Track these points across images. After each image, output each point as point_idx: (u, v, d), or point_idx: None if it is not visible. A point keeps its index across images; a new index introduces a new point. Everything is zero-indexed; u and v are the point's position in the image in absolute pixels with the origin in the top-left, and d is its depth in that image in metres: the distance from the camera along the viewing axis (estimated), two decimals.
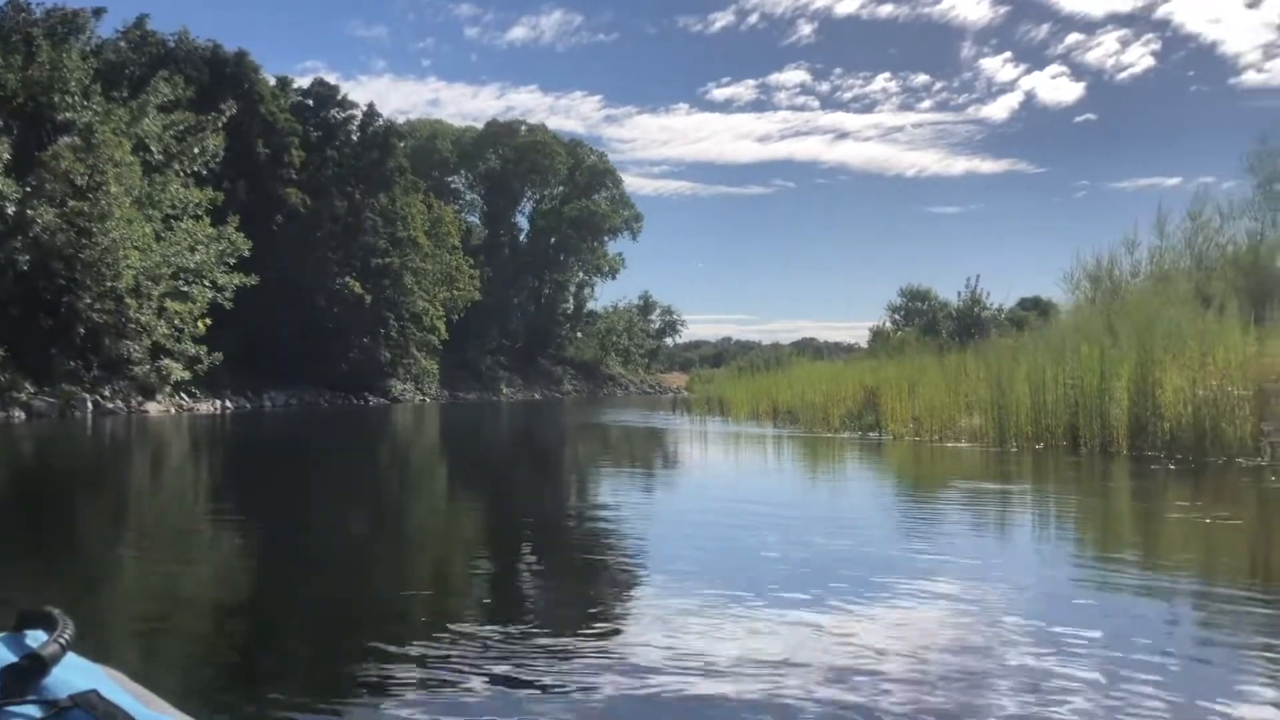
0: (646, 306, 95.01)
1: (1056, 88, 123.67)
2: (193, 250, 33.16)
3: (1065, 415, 15.12)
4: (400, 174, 53.62)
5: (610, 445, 21.16)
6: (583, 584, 5.77)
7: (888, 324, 47.97)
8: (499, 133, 78.00)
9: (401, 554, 7.06)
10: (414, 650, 4.08)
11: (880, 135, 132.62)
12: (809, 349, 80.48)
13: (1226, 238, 21.21)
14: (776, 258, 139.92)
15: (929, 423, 17.81)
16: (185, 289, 32.90)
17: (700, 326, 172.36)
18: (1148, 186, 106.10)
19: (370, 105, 52.98)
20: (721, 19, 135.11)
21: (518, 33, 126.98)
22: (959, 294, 44.40)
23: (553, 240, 79.49)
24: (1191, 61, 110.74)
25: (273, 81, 48.60)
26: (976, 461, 14.13)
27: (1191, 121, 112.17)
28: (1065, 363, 15.62)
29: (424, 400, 52.43)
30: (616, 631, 4.52)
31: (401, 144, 55.51)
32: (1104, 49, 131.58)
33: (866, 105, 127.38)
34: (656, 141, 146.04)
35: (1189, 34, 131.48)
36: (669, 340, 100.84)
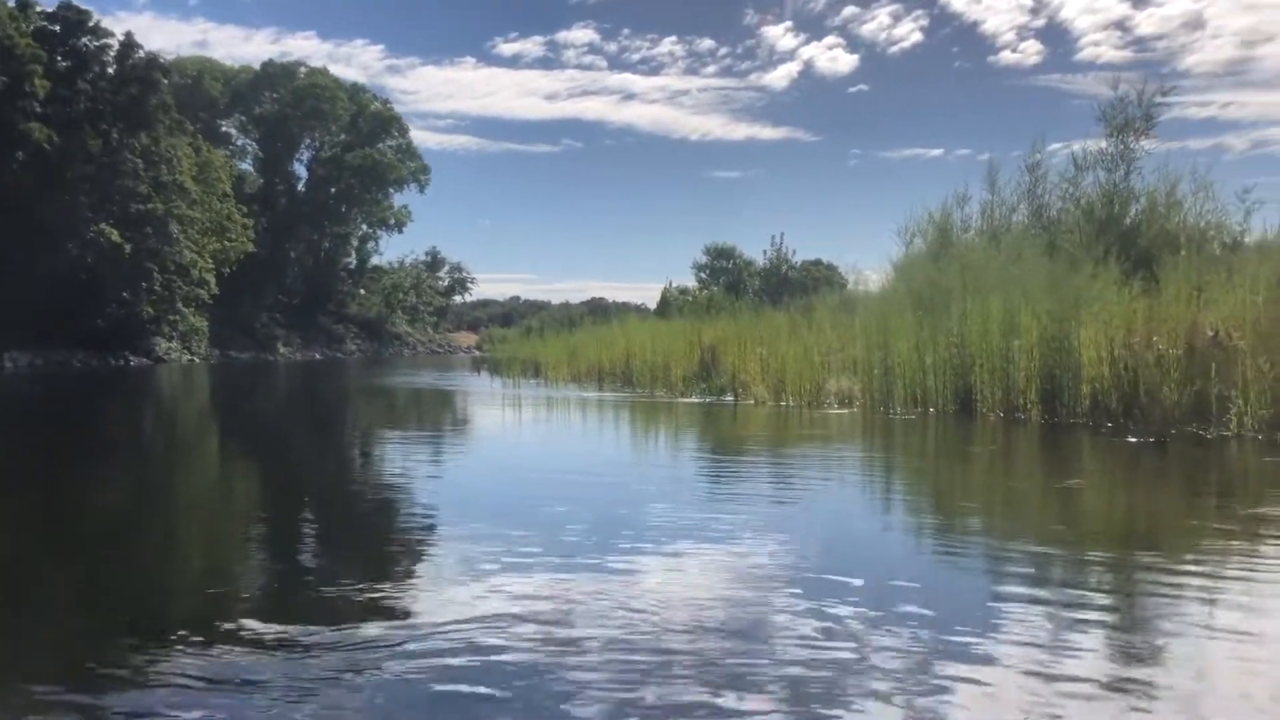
0: (434, 263, 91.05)
1: (833, 59, 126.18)
2: None
3: (953, 378, 13.65)
4: (164, 113, 48.29)
5: (416, 411, 18.51)
6: (367, 558, 5.43)
7: (693, 282, 46.78)
8: (276, 74, 72.18)
9: (163, 532, 6.45)
10: (178, 636, 3.81)
11: (667, 98, 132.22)
12: (599, 309, 79.23)
13: (1080, 190, 20.33)
14: (564, 217, 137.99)
15: (795, 386, 16.09)
16: None
17: (488, 285, 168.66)
18: (912, 157, 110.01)
19: (128, 35, 47.30)
20: None
21: None
22: (764, 252, 43.54)
23: (334, 190, 74.54)
24: (956, 39, 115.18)
25: (11, 2, 42.48)
26: (848, 428, 12.42)
27: (954, 96, 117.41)
28: (948, 320, 14.15)
29: (192, 360, 47.73)
30: (399, 601, 4.30)
31: (165, 80, 49.96)
32: (878, 23, 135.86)
33: (654, 68, 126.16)
34: (441, 95, 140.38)
35: (954, 12, 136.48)
36: (457, 298, 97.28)
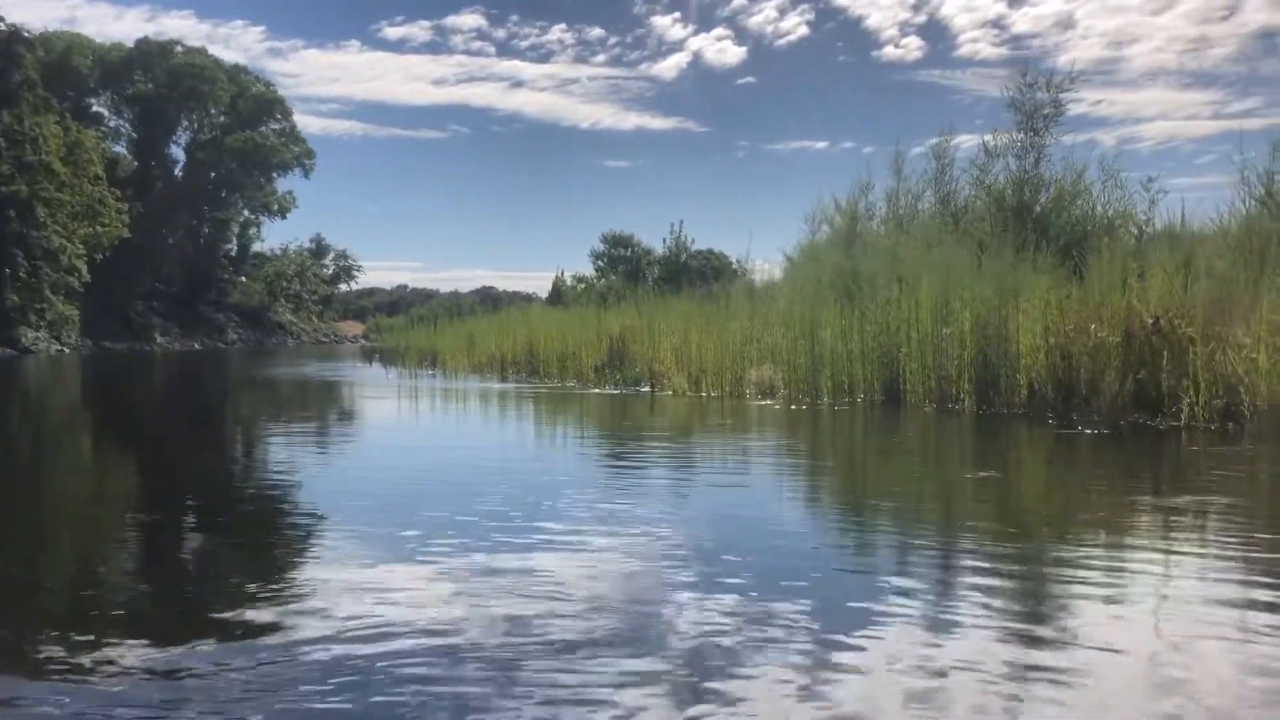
0: (320, 250, 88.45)
1: (721, 50, 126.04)
2: None
3: (881, 368, 13.28)
4: (28, 89, 45.68)
5: (304, 404, 17.49)
6: (243, 562, 5.07)
7: (591, 270, 46.16)
8: (151, 53, 68.85)
9: (30, 530, 5.86)
10: (49, 637, 3.65)
11: (556, 86, 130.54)
12: (489, 298, 78.12)
13: (990, 178, 20.23)
14: (452, 205, 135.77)
15: (717, 375, 15.56)
16: None
17: (375, 273, 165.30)
18: (799, 149, 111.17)
19: None
20: None
21: None
22: (664, 240, 43.09)
23: (214, 175, 71.67)
24: (840, 33, 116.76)
25: None
26: (766, 419, 11.95)
27: (839, 90, 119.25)
28: (873, 308, 13.79)
29: (61, 351, 45.24)
30: (275, 609, 3.94)
31: (29, 55, 47.13)
32: (764, 16, 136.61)
33: (543, 55, 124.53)
34: (325, 78, 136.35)
35: (839, 7, 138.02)
36: (343, 287, 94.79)
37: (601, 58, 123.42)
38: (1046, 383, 11.26)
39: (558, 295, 43.35)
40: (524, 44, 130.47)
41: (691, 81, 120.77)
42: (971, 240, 17.65)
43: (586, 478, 7.86)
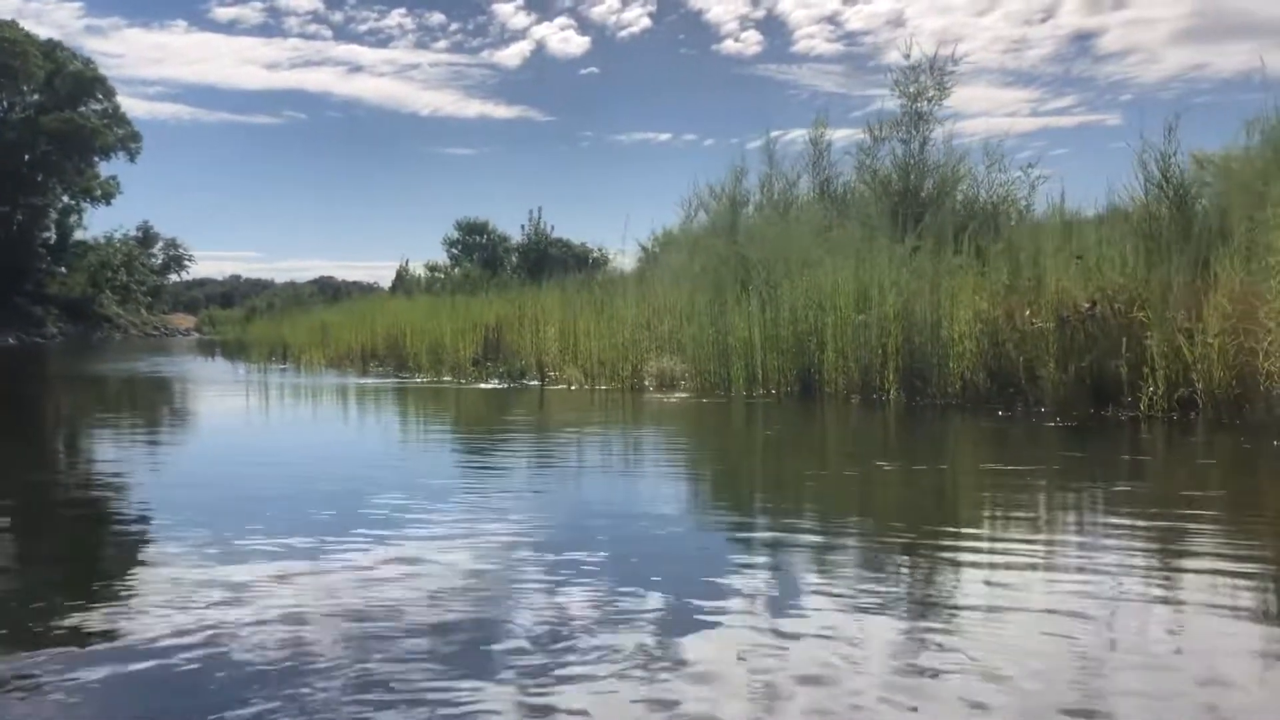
0: (147, 239, 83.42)
1: (565, 40, 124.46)
2: None
3: (796, 358, 12.54)
4: None
5: (137, 403, 15.73)
6: (62, 572, 4.53)
7: (444, 258, 44.58)
8: None
9: None
10: None
11: (396, 72, 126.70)
12: (329, 288, 75.12)
13: (876, 162, 19.81)
14: (288, 192, 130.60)
15: (612, 367, 14.58)
16: None
17: (207, 264, 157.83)
18: (642, 141, 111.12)
19: None
20: None
21: None
22: (522, 228, 41.85)
23: (28, 157, 66.56)
24: (682, 26, 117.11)
25: None
26: (661, 413, 11.09)
27: (681, 82, 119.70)
28: (788, 289, 13.04)
29: None
30: (94, 622, 3.59)
31: None
32: (607, 6, 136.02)
33: (382, 40, 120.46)
34: (150, 60, 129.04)
35: (679, 0, 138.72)
36: (173, 277, 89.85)
37: (443, 44, 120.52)
38: (978, 371, 10.68)
39: (401, 284, 41.67)
40: (362, 28, 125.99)
41: (535, 70, 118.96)
42: (863, 227, 17.24)
43: (449, 475, 7.39)
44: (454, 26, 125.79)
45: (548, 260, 39.86)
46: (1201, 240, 10.89)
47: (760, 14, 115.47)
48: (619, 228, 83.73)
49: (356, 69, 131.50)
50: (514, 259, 41.69)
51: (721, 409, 11.63)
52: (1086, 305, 10.24)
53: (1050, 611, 3.58)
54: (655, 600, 3.74)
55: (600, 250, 41.34)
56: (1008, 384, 10.43)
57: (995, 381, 10.57)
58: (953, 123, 19.31)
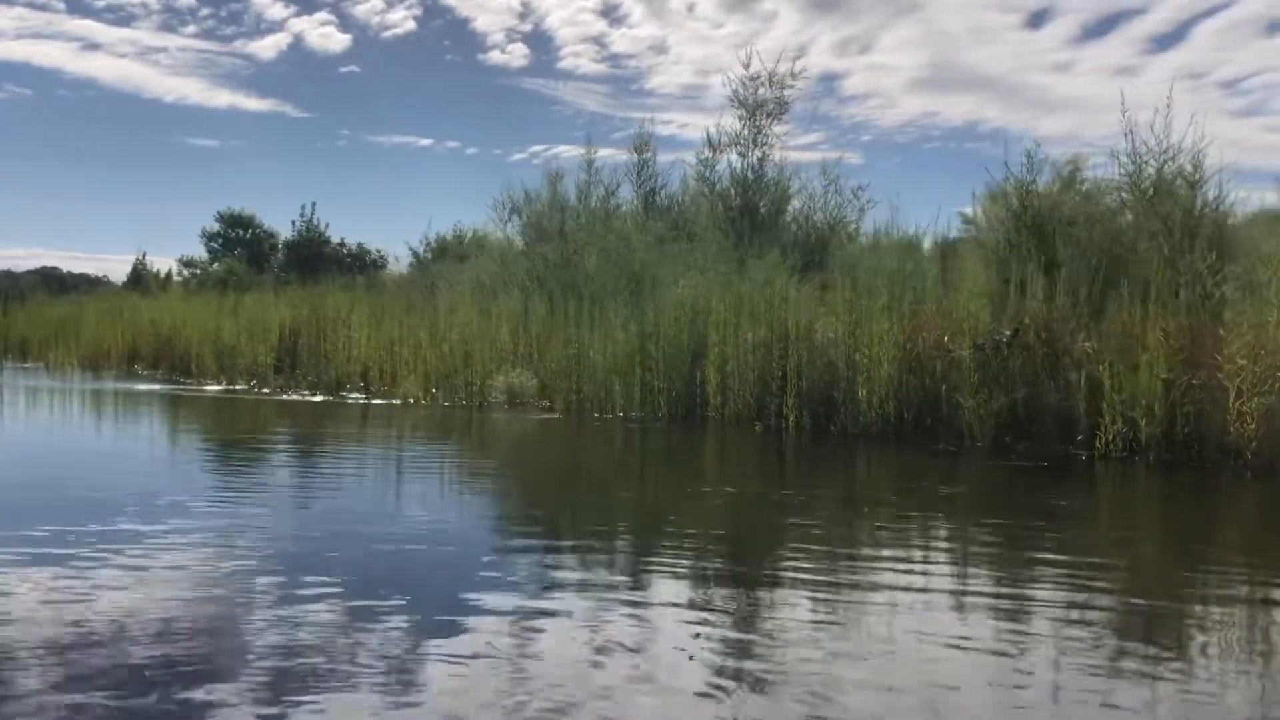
0: None
1: (325, 36, 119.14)
2: None
3: (680, 381, 11.36)
4: None
5: None
6: None
7: (203, 252, 40.88)
8: None
9: None
10: None
11: (138, 54, 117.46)
12: (53, 280, 68.42)
13: (716, 174, 18.95)
14: (5, 175, 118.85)
15: (460, 380, 12.89)
16: None
17: None
18: (403, 144, 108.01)
19: None
20: None
21: None
22: (293, 223, 38.90)
23: None
24: (448, 32, 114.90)
25: None
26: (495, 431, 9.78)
27: (445, 88, 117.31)
28: (652, 308, 11.87)
29: None
30: None
31: None
32: (370, 5, 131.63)
33: (123, 18, 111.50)
34: None
35: (447, 6, 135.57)
36: None
37: (192, 29, 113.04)
38: (888, 401, 9.81)
39: (138, 279, 37.93)
40: (100, 3, 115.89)
41: (292, 64, 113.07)
42: (686, 238, 16.43)
43: (204, 496, 6.46)
44: (205, 12, 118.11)
45: (323, 259, 37.25)
46: (1098, 270, 10.54)
47: (528, 28, 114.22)
48: (382, 229, 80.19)
49: (92, 46, 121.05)
50: (281, 255, 38.64)
51: (556, 431, 10.32)
52: (1007, 334, 9.58)
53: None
54: (399, 618, 3.63)
55: (379, 252, 39.06)
56: (923, 415, 9.62)
57: (911, 413, 9.72)
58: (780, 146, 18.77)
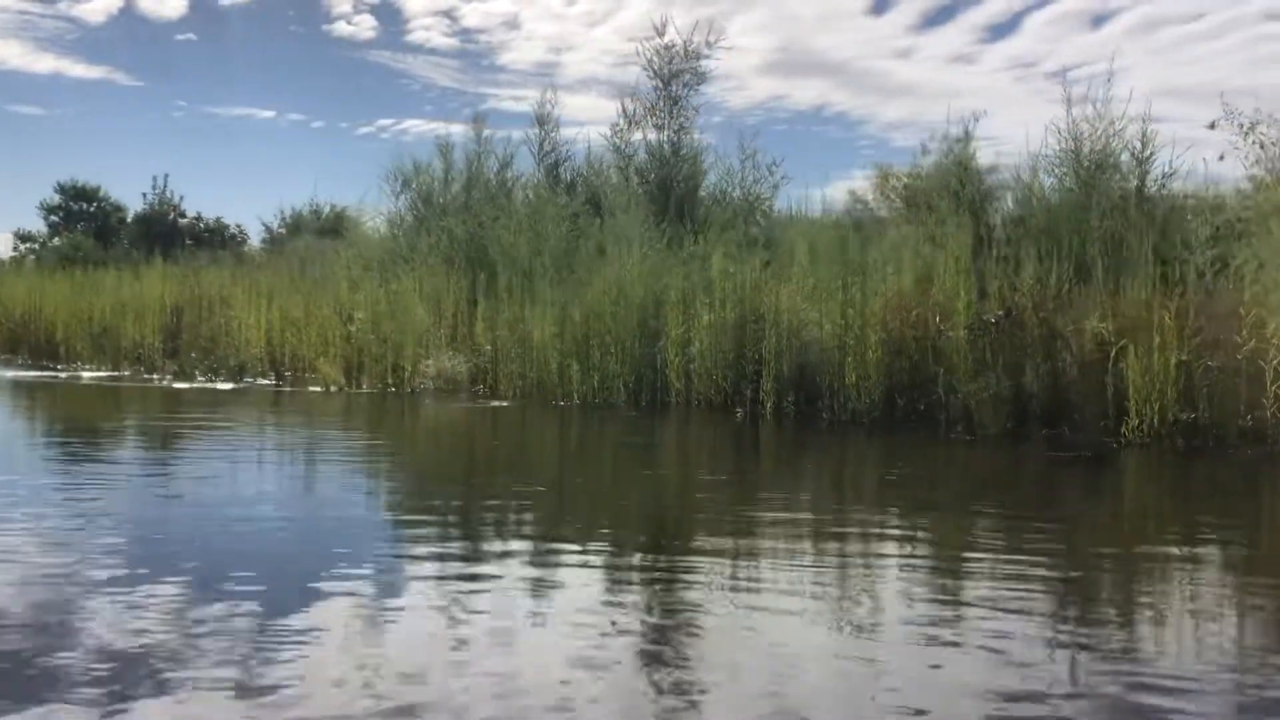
0: None
1: (159, 1, 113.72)
2: None
3: (639, 361, 10.55)
4: None
5: None
6: None
7: (43, 226, 37.96)
8: None
9: None
10: None
11: None
12: None
13: (632, 147, 18.10)
14: None
15: (391, 364, 11.74)
16: None
17: None
18: (243, 116, 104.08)
19: None
20: None
21: None
22: (145, 196, 36.40)
23: None
24: (292, 2, 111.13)
25: None
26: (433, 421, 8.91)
27: (288, 59, 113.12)
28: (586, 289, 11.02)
29: None
30: None
31: None
32: None
33: None
34: None
35: None
36: None
37: None
38: (875, 385, 9.22)
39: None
40: None
41: (123, 29, 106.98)
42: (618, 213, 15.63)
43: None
44: None
45: (178, 234, 34.94)
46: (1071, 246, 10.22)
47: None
48: (230, 204, 76.10)
49: None
50: (132, 230, 36.11)
51: (507, 416, 9.43)
52: (1000, 313, 9.10)
53: None
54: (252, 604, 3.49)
55: (239, 227, 36.99)
56: (916, 398, 9.05)
57: (903, 397, 9.15)
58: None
